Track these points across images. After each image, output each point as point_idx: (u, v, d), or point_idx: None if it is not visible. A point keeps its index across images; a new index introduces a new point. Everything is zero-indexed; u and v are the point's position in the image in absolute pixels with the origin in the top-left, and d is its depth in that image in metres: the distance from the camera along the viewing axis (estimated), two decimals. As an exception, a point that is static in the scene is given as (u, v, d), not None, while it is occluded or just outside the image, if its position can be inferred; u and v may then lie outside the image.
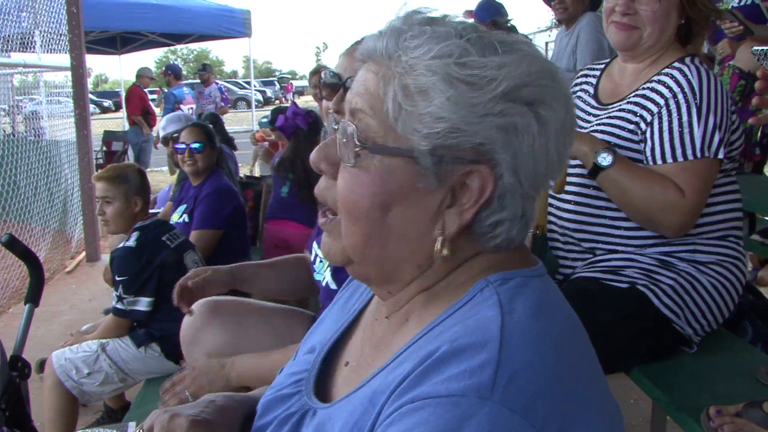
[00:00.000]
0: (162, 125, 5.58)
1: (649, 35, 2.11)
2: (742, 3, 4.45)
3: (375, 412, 0.86)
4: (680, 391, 1.94)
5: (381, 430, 0.82)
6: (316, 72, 6.75)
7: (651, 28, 2.10)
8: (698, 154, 1.97)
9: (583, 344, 0.93)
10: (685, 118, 2.00)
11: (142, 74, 12.32)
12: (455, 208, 0.92)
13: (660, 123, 2.03)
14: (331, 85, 1.99)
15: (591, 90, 2.32)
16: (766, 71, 1.39)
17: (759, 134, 4.07)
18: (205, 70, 12.37)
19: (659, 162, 2.01)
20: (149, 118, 11.53)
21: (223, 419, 1.16)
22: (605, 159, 2.01)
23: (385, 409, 0.83)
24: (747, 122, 3.83)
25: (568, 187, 2.17)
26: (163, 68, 13.22)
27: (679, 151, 1.99)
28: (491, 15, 5.66)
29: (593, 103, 2.27)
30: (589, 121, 2.22)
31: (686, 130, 1.99)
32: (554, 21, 5.06)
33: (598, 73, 2.35)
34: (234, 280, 2.28)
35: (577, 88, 2.39)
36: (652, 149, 2.03)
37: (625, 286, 2.05)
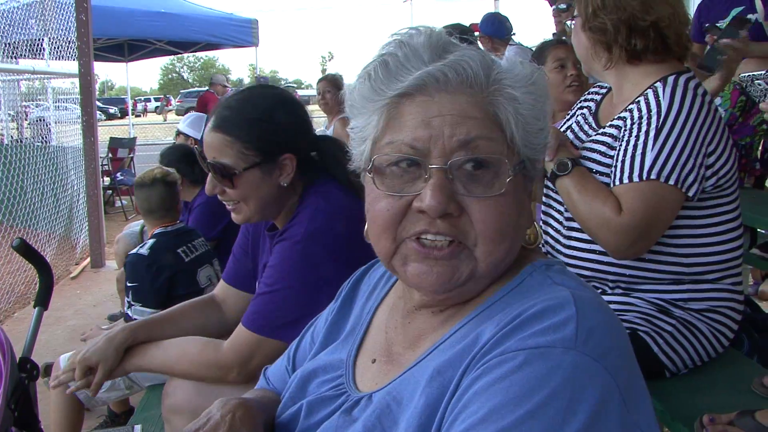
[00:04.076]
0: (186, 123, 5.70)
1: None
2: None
3: (452, 378, 0.94)
4: (676, 401, 1.97)
5: (468, 382, 0.90)
6: (324, 79, 6.86)
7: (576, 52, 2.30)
8: (644, 176, 1.93)
9: None
10: (641, 139, 1.97)
11: (216, 82, 12.42)
12: (529, 199, 1.09)
13: (621, 145, 2.03)
14: (202, 159, 1.96)
15: (593, 107, 2.33)
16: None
17: (759, 150, 4.10)
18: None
19: (617, 183, 1.99)
20: None
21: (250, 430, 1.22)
22: (564, 167, 2.06)
23: (469, 371, 0.92)
24: (747, 137, 3.90)
25: (568, 223, 2.18)
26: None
27: (627, 173, 1.96)
28: (495, 28, 5.71)
29: (591, 121, 2.28)
30: (582, 140, 2.23)
31: (639, 152, 1.96)
32: (554, 35, 5.11)
33: (603, 91, 2.35)
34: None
35: (585, 103, 2.40)
36: (614, 171, 2.02)
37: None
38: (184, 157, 4.31)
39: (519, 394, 0.83)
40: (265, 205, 1.99)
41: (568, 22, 2.25)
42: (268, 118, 1.96)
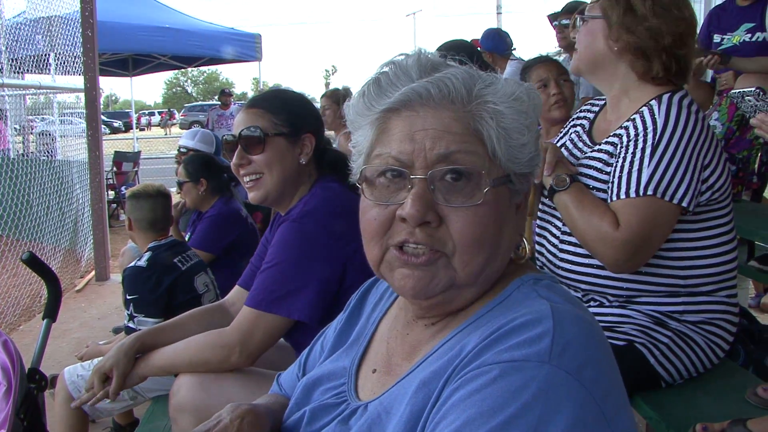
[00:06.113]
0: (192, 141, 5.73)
1: (578, 58, 2.25)
2: (752, 39, 4.51)
3: (435, 388, 0.98)
4: (671, 410, 2.00)
5: (448, 393, 0.94)
6: (324, 96, 6.92)
7: (579, 49, 2.25)
8: (640, 192, 1.97)
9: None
10: (638, 155, 2.01)
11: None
12: (519, 212, 1.12)
13: (617, 161, 2.07)
14: (230, 143, 2.19)
15: (587, 125, 2.36)
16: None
17: (756, 163, 4.14)
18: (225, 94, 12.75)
19: (614, 199, 2.03)
20: None
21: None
22: (562, 182, 2.11)
23: (450, 382, 0.96)
24: (745, 150, 3.94)
25: (564, 237, 2.21)
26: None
27: (624, 188, 2.00)
28: (495, 44, 5.78)
29: (586, 139, 2.31)
30: (577, 157, 2.27)
31: (635, 168, 2.00)
32: (558, 49, 5.16)
33: (597, 109, 2.38)
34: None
35: (578, 120, 2.43)
36: (611, 186, 2.06)
37: (622, 344, 2.08)
38: (207, 165, 4.43)
39: (492, 406, 0.87)
40: (284, 179, 2.20)
41: (579, 23, 2.25)
42: (295, 101, 2.31)
